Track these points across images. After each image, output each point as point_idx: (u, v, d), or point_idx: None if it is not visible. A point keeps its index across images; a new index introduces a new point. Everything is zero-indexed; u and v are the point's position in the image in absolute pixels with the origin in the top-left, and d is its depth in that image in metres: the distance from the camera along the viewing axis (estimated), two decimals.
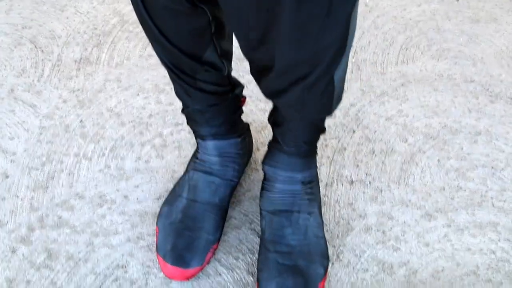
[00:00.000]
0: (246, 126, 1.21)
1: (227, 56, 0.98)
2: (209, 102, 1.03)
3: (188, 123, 1.11)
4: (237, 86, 1.09)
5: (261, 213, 1.12)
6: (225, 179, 1.14)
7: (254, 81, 1.41)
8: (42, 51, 1.48)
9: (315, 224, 1.10)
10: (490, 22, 1.57)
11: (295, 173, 1.10)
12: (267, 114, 1.35)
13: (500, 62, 1.47)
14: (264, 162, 1.13)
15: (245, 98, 1.16)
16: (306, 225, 1.09)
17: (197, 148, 1.15)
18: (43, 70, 1.44)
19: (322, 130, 1.04)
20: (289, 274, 1.04)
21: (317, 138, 1.07)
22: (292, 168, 1.09)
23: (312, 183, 1.12)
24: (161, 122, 1.34)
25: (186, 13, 0.82)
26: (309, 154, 1.09)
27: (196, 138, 1.14)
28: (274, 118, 1.05)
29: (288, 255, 1.06)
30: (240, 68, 1.45)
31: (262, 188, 1.14)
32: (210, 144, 1.12)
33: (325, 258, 1.07)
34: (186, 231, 1.09)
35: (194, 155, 1.16)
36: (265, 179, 1.14)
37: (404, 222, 1.18)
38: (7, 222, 1.17)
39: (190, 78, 0.97)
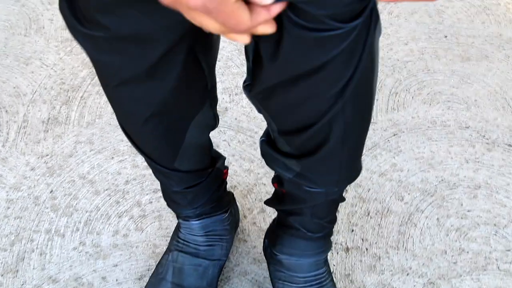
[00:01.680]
0: (231, 196, 1.12)
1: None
2: (188, 183, 0.94)
3: (168, 205, 1.02)
4: (218, 159, 1.00)
5: None
6: (213, 260, 1.05)
7: (236, 137, 1.32)
8: (7, 111, 1.37)
9: None
10: (481, 59, 1.50)
11: (320, 255, 1.00)
12: (252, 175, 1.26)
13: (495, 105, 1.40)
14: (277, 250, 1.01)
15: (227, 169, 1.06)
16: None
17: (179, 225, 1.05)
18: (8, 134, 1.33)
19: (342, 199, 0.96)
20: None
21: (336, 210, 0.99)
22: (318, 252, 0.99)
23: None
24: (138, 189, 1.24)
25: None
26: (332, 231, 1.00)
27: (178, 218, 1.04)
28: (290, 208, 0.95)
29: None
30: (222, 119, 1.36)
31: (278, 278, 1.02)
32: (195, 224, 1.03)
33: None
34: None
35: (176, 233, 1.06)
36: (281, 267, 1.02)
37: None
38: None
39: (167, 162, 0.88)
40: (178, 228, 1.06)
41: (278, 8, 0.51)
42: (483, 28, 1.59)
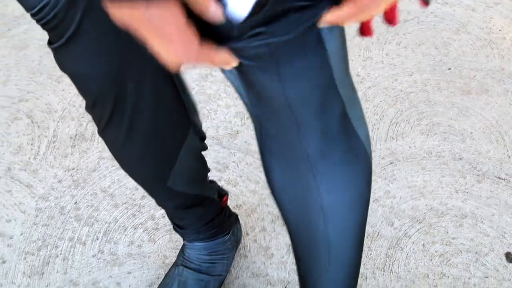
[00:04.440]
0: (234, 218, 1.24)
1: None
2: (185, 204, 1.05)
3: (175, 230, 1.14)
4: (212, 187, 1.11)
5: None
6: (214, 275, 1.17)
7: (244, 159, 1.44)
8: (39, 126, 1.52)
9: None
10: (481, 93, 1.59)
11: None
12: (256, 196, 1.38)
13: (489, 138, 1.49)
14: None
15: (227, 196, 1.19)
16: None
17: (185, 244, 1.18)
18: (39, 147, 1.47)
19: None
20: None
21: None
22: None
23: None
24: (153, 204, 1.37)
25: None
26: None
27: (183, 240, 1.17)
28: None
29: None
30: (232, 145, 1.48)
31: None
32: (198, 245, 1.15)
33: None
34: None
35: (183, 250, 1.19)
36: None
37: None
38: None
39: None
40: (184, 245, 1.19)
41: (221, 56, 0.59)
42: (486, 62, 1.68)
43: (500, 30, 1.76)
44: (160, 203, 1.05)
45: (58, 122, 1.53)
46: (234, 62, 0.59)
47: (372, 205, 1.37)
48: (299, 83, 0.62)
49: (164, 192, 0.98)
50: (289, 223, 0.83)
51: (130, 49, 0.74)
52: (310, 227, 0.78)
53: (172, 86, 0.84)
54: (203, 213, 1.08)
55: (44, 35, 1.75)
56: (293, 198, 0.76)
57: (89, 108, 0.84)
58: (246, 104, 0.70)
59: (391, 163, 1.44)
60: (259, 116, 0.70)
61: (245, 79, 0.63)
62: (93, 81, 0.78)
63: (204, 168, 1.04)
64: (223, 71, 0.66)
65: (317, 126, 0.66)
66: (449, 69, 1.66)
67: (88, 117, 1.54)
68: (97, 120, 0.85)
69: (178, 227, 1.12)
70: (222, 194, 1.15)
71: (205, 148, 1.00)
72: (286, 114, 0.64)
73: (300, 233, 0.81)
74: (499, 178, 1.42)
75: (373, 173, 1.41)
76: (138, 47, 0.60)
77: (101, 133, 0.87)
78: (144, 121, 0.84)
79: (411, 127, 1.52)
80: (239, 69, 0.62)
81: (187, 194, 1.01)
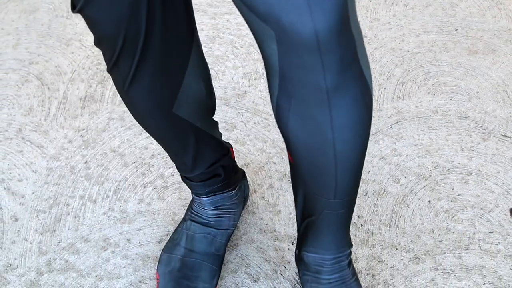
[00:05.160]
0: (241, 173, 1.26)
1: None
2: (188, 135, 1.04)
3: (183, 181, 1.17)
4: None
5: None
6: (221, 229, 1.20)
7: (252, 119, 1.45)
8: (49, 88, 1.54)
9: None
10: (488, 53, 1.59)
11: (341, 251, 1.06)
12: (264, 154, 1.40)
13: (495, 97, 1.50)
14: (302, 249, 1.09)
15: (232, 148, 1.20)
16: None
17: (193, 199, 1.21)
18: (49, 109, 1.50)
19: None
20: None
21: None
22: (338, 245, 1.05)
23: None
24: (162, 163, 1.39)
25: None
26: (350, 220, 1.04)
27: (191, 193, 1.20)
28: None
29: None
30: (240, 105, 1.50)
31: (305, 281, 1.10)
32: (205, 200, 1.18)
33: None
34: (184, 280, 1.16)
35: (191, 205, 1.21)
36: (307, 269, 1.10)
37: (393, 265, 1.23)
38: (17, 266, 1.24)
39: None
40: (192, 201, 1.22)
41: None
42: (493, 22, 1.67)
43: None
44: (161, 137, 1.04)
45: (68, 84, 1.55)
46: None
47: (378, 163, 1.38)
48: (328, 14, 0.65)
49: (167, 119, 0.97)
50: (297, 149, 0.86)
51: None
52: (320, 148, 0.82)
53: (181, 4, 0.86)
54: (206, 153, 1.08)
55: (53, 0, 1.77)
56: (306, 133, 0.81)
57: (97, 44, 0.85)
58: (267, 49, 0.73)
59: (397, 122, 1.46)
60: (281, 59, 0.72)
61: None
62: (106, 23, 0.79)
63: (209, 97, 1.03)
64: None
65: (337, 58, 0.70)
66: (456, 29, 1.66)
67: (98, 78, 1.56)
68: (106, 56, 0.86)
69: (186, 178, 1.14)
70: (227, 146, 1.16)
71: (208, 73, 1.01)
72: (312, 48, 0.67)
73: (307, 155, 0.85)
74: (505, 136, 1.43)
75: (380, 132, 1.43)
76: None
77: (111, 69, 0.88)
78: (154, 51, 0.85)
79: (418, 87, 1.53)
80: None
81: (190, 123, 1.00)
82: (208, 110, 1.04)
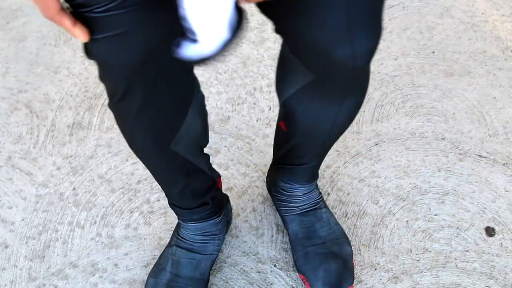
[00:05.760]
0: (226, 198, 1.30)
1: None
2: (181, 170, 1.08)
3: (171, 208, 1.20)
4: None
5: (285, 219, 1.30)
6: (206, 254, 1.24)
7: (235, 143, 1.50)
8: (37, 116, 1.58)
9: (330, 214, 1.31)
10: (464, 75, 1.65)
11: (312, 181, 1.28)
12: (247, 178, 1.44)
13: (471, 118, 1.55)
14: (277, 179, 1.28)
15: (220, 178, 1.25)
16: (328, 217, 1.29)
17: (179, 224, 1.25)
18: (38, 136, 1.54)
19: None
20: (329, 259, 1.24)
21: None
22: (310, 179, 1.26)
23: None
24: (148, 189, 1.43)
25: None
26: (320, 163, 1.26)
27: (178, 219, 1.24)
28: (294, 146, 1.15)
29: (323, 245, 1.26)
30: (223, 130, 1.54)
31: (280, 200, 1.30)
32: (191, 226, 1.22)
33: (347, 238, 1.29)
34: None
35: (177, 230, 1.25)
36: (280, 193, 1.29)
37: (372, 285, 1.28)
38: None
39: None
40: (178, 226, 1.26)
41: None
42: (469, 45, 1.73)
43: (482, 13, 1.81)
44: (155, 168, 1.08)
45: (56, 111, 1.59)
46: (82, 37, 0.74)
47: (358, 185, 1.43)
48: None
49: (164, 154, 1.00)
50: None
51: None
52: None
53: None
54: (196, 186, 1.12)
55: (41, 28, 1.81)
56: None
57: (102, 80, 0.87)
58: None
59: (376, 144, 1.50)
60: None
61: None
62: (119, 69, 0.82)
63: (204, 135, 1.08)
64: None
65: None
66: (433, 52, 1.71)
67: (85, 105, 1.60)
68: (110, 93, 0.88)
69: (174, 206, 1.18)
70: (216, 175, 1.21)
71: (206, 112, 1.06)
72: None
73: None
74: (480, 156, 1.48)
75: (359, 155, 1.47)
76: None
77: (113, 106, 0.90)
78: (158, 94, 0.87)
79: (396, 109, 1.58)
80: None
81: (184, 158, 1.03)
82: (202, 147, 1.09)
